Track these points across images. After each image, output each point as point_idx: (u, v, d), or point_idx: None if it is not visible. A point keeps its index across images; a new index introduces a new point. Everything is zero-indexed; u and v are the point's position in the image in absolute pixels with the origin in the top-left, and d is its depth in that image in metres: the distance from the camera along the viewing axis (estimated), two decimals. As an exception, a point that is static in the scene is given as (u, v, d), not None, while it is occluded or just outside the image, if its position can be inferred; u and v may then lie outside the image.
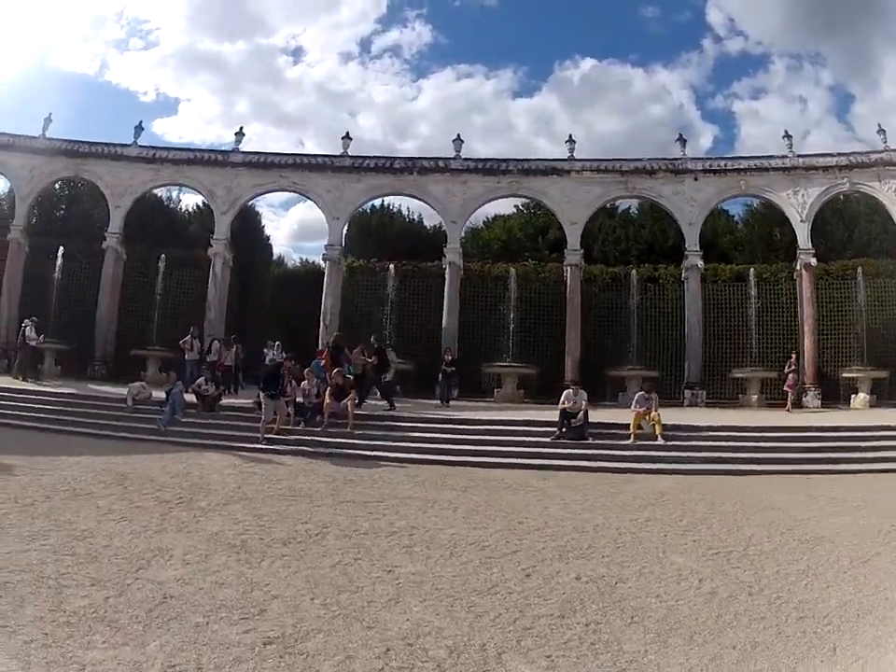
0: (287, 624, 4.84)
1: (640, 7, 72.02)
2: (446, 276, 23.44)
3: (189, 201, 34.00)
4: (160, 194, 31.25)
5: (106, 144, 24.91)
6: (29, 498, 8.30)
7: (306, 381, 15.58)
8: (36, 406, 16.28)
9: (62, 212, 32.40)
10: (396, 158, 24.56)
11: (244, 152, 24.61)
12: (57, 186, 29.33)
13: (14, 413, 15.63)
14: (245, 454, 12.88)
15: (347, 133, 24.53)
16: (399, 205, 35.50)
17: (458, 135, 24.32)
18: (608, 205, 26.85)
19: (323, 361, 17.11)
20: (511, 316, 23.00)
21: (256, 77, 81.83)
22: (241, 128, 23.96)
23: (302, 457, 12.79)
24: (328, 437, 13.94)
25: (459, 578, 6.07)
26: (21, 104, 56.70)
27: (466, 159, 24.24)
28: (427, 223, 35.65)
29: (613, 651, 4.55)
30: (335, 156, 24.32)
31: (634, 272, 23.87)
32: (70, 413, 15.66)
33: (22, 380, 19.24)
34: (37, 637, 4.44)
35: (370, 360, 17.22)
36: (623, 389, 21.35)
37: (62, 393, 17.73)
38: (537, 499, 9.74)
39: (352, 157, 24.33)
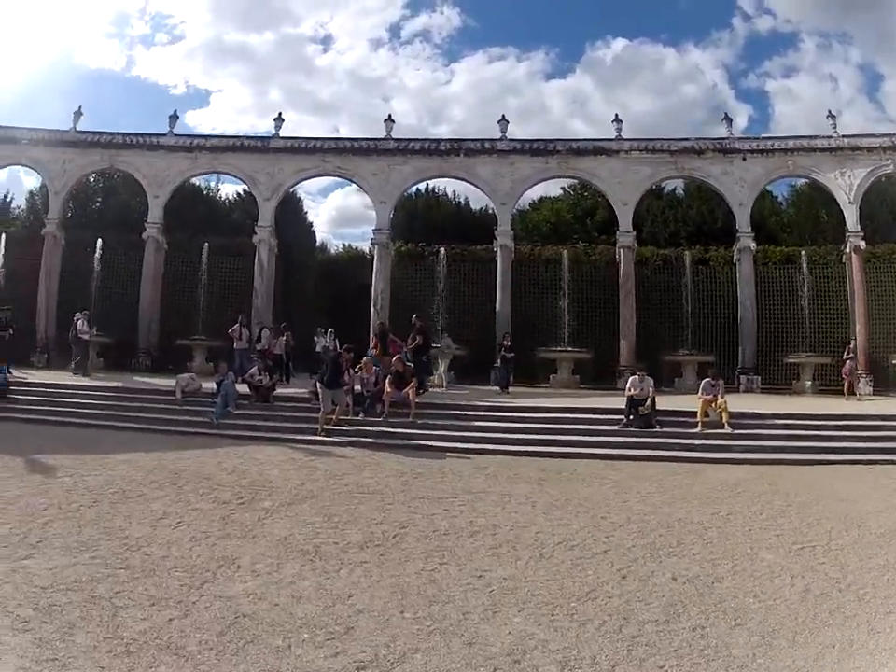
0: (378, 644, 4.37)
1: None
2: (498, 260, 22.91)
3: (230, 189, 34.33)
4: (198, 183, 30.93)
5: (141, 134, 24.45)
6: (75, 503, 7.75)
7: (364, 369, 15.02)
8: (80, 401, 15.77)
9: (97, 204, 32.09)
10: (441, 140, 24.12)
11: (284, 137, 24.11)
12: (92, 178, 28.96)
13: (56, 408, 15.14)
14: (303, 447, 12.35)
15: (390, 116, 23.87)
16: (444, 188, 35.10)
17: (503, 116, 23.55)
18: (654, 186, 25.61)
19: (375, 349, 16.84)
20: (564, 300, 22.43)
21: (286, 67, 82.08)
22: (279, 113, 23.13)
23: (364, 449, 12.28)
24: (389, 427, 13.48)
25: (554, 582, 5.68)
26: (49, 100, 57.24)
27: (512, 139, 23.53)
28: (474, 206, 35.22)
29: (723, 656, 4.37)
30: (379, 139, 23.79)
31: (687, 253, 23.24)
32: (116, 408, 15.19)
33: (83, 375, 18.66)
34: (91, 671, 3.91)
35: (414, 342, 16.69)
36: (679, 374, 20.96)
37: (107, 387, 17.12)
38: (614, 492, 9.36)
39: (396, 140, 23.79)
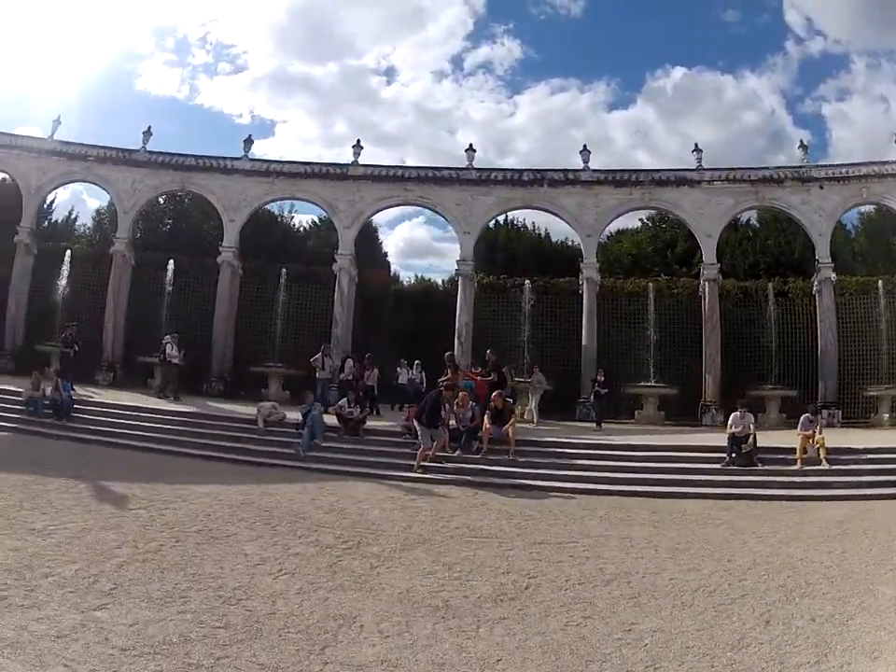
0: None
1: (721, 10, 72.33)
2: (584, 293, 22.86)
3: (303, 217, 35.56)
4: (272, 210, 31.39)
5: (215, 157, 24.90)
6: (153, 541, 7.28)
7: (460, 403, 14.75)
8: (152, 424, 15.62)
9: (167, 226, 32.93)
10: (524, 170, 24.06)
11: (364, 165, 24.32)
12: (161, 200, 29.84)
13: (124, 430, 15.07)
14: (399, 484, 12.10)
15: (471, 146, 24.24)
16: (524, 220, 35.53)
17: (584, 146, 23.72)
18: (735, 218, 25.67)
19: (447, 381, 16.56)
20: (650, 334, 22.40)
21: (351, 98, 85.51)
22: (358, 140, 23.04)
23: (465, 488, 11.98)
24: (488, 465, 13.33)
25: (703, 632, 5.61)
26: (111, 125, 59.59)
27: (595, 170, 23.61)
28: (554, 238, 35.74)
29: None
30: (461, 168, 23.93)
31: (770, 285, 23.21)
32: (191, 434, 15.01)
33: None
34: None
35: (487, 377, 16.52)
36: (762, 409, 20.36)
37: (181, 411, 17.00)
38: (730, 533, 9.37)
39: (478, 169, 24.01)
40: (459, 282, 23.34)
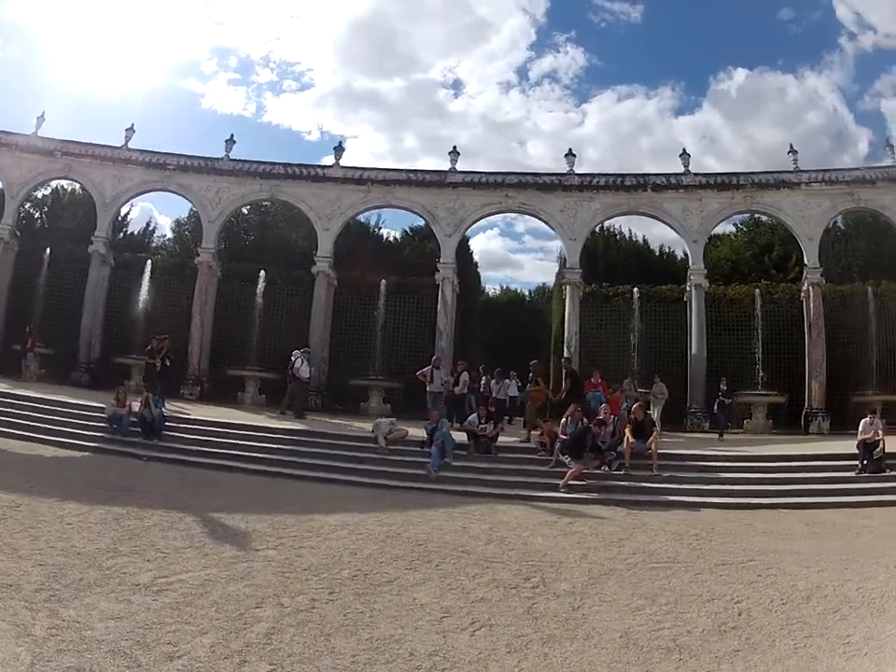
0: None
1: (775, 9, 73.35)
2: (692, 299, 23.30)
3: (393, 226, 36.91)
4: (362, 220, 31.92)
5: (305, 165, 25.69)
6: (301, 595, 6.41)
7: (603, 415, 14.96)
8: (259, 444, 15.28)
9: (251, 237, 33.83)
10: (626, 175, 24.60)
11: (463, 171, 24.96)
12: (245, 211, 30.74)
13: (229, 452, 14.67)
14: (544, 504, 12.03)
15: (570, 150, 24.83)
16: (620, 227, 36.13)
17: (684, 149, 24.39)
18: (834, 220, 26.82)
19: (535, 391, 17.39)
20: (758, 341, 22.92)
21: (420, 112, 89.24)
22: (454, 147, 24.68)
23: (615, 507, 12.04)
24: (633, 481, 13.57)
25: None
26: (180, 147, 60.81)
27: (697, 174, 24.21)
28: (653, 245, 36.58)
29: None
30: (562, 174, 24.50)
31: (869, 289, 23.65)
32: (304, 454, 14.72)
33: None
34: None
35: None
36: (865, 415, 22.47)
37: (290, 429, 16.73)
38: (885, 541, 9.69)
39: (580, 175, 24.48)
40: (567, 290, 23.84)
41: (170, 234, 39.76)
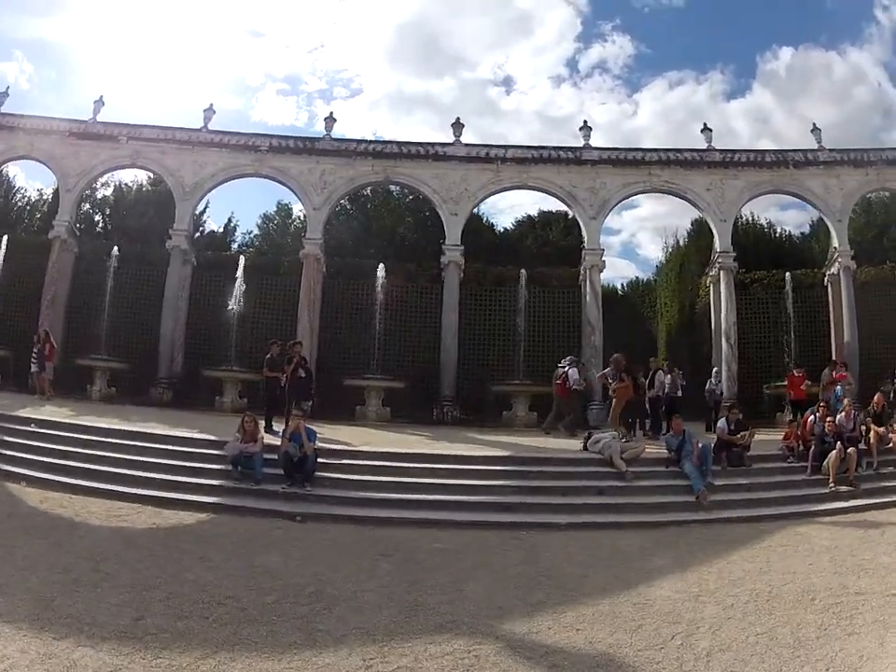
0: None
1: None
2: (840, 283, 21.93)
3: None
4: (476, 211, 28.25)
5: (422, 143, 23.58)
6: None
7: (843, 413, 13.80)
8: (445, 481, 11.60)
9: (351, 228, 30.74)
10: (766, 151, 23.41)
11: (599, 148, 23.21)
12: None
13: (421, 495, 11.05)
14: (835, 518, 10.87)
15: (705, 125, 23.44)
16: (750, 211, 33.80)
17: (814, 124, 23.34)
18: None
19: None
20: None
21: (474, 111, 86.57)
22: (585, 122, 23.02)
23: None
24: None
25: None
26: None
27: (832, 150, 22.97)
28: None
29: None
30: (703, 150, 23.10)
31: None
32: (523, 490, 11.70)
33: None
34: None
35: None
36: None
37: (484, 456, 13.22)
38: None
39: (721, 150, 23.11)
40: (722, 277, 22.36)
41: (256, 230, 37.35)
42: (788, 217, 76.72)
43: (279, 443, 11.63)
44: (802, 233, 33.56)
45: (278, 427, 13.79)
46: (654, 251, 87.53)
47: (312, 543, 8.83)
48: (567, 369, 17.15)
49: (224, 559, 7.86)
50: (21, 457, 11.69)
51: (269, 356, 15.95)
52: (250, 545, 8.59)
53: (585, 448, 13.43)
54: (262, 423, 13.03)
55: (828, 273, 22.61)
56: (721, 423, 13.84)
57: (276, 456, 11.26)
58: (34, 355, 18.63)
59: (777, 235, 33.55)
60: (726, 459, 13.00)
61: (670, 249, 31.99)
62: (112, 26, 75.94)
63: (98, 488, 10.52)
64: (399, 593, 6.97)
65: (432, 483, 11.36)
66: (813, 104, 79.74)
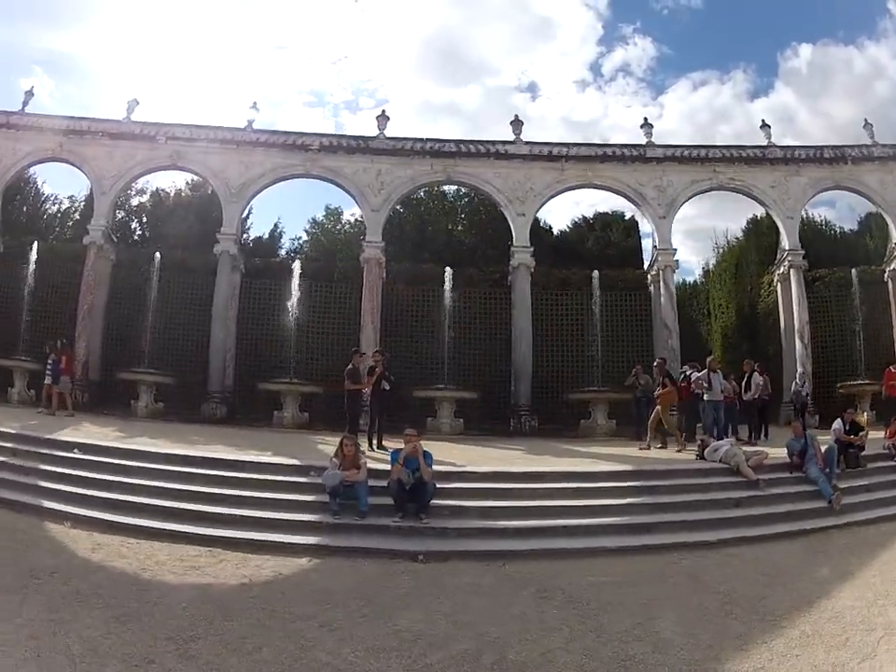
0: None
1: None
2: None
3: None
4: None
5: (482, 141, 22.99)
6: None
7: None
8: (568, 502, 10.54)
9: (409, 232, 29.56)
10: (824, 147, 22.90)
11: (662, 145, 22.86)
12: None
13: (551, 520, 9.94)
14: None
15: (763, 121, 23.22)
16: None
17: (866, 120, 23.19)
18: None
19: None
20: None
21: (500, 118, 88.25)
22: (645, 119, 22.92)
23: None
24: None
25: None
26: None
27: (885, 145, 22.73)
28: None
29: None
30: (764, 146, 22.76)
31: None
32: (660, 508, 10.67)
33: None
34: None
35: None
36: None
37: (614, 472, 12.09)
38: None
39: (781, 147, 22.92)
40: (792, 275, 22.06)
41: (304, 236, 36.43)
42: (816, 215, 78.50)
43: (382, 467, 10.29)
44: (850, 230, 33.26)
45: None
46: (685, 254, 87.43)
47: (452, 591, 7.40)
48: (688, 372, 16.74)
49: (354, 624, 6.26)
50: (65, 491, 10.08)
51: (350, 366, 15.04)
52: (379, 599, 7.00)
53: (702, 457, 13.07)
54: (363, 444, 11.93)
55: (888, 269, 22.43)
56: (837, 423, 13.51)
57: (386, 484, 9.73)
58: (48, 365, 17.67)
59: (833, 232, 33.34)
60: (844, 461, 12.71)
61: (721, 250, 31.80)
62: (132, 43, 76.68)
63: (161, 529, 8.90)
64: (592, 647, 5.89)
65: (559, 506, 10.32)
66: (835, 100, 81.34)
